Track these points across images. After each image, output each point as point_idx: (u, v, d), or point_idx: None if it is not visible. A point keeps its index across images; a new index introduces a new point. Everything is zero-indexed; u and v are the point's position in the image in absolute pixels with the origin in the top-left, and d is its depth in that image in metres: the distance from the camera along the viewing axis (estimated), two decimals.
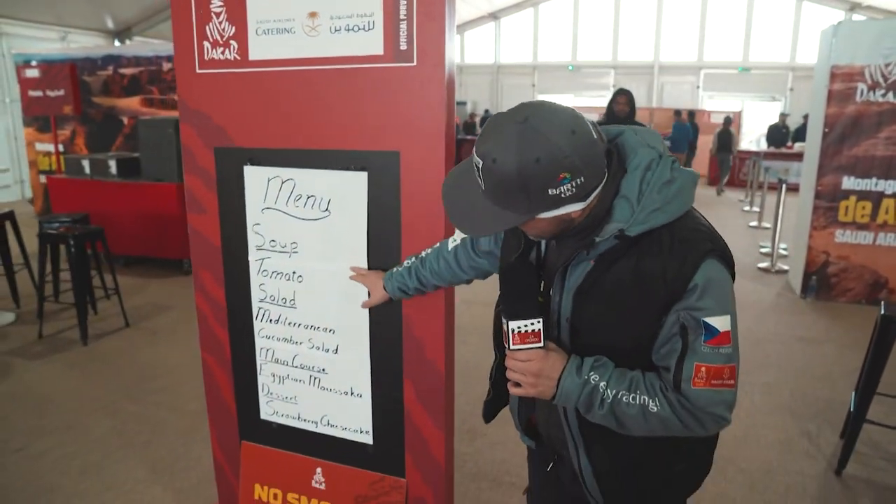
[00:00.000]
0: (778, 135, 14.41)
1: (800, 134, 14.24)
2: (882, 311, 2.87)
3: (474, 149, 1.06)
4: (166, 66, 7.81)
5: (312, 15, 1.74)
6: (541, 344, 1.16)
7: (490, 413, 1.52)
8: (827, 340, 4.61)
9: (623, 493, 1.29)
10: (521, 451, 1.66)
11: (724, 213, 10.52)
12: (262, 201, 1.93)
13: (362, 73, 1.73)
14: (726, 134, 12.96)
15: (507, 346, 1.18)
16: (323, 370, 1.99)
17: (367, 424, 1.97)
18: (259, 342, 2.06)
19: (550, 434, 1.38)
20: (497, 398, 1.48)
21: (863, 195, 5.37)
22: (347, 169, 1.80)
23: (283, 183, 1.89)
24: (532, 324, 1.15)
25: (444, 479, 1.93)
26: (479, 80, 20.99)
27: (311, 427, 2.05)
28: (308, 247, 1.91)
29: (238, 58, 1.85)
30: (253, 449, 2.16)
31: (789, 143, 14.41)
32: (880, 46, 5.18)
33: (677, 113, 13.84)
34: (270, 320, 2.02)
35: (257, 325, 2.04)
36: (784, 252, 7.20)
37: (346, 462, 2.03)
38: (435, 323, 1.82)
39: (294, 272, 1.95)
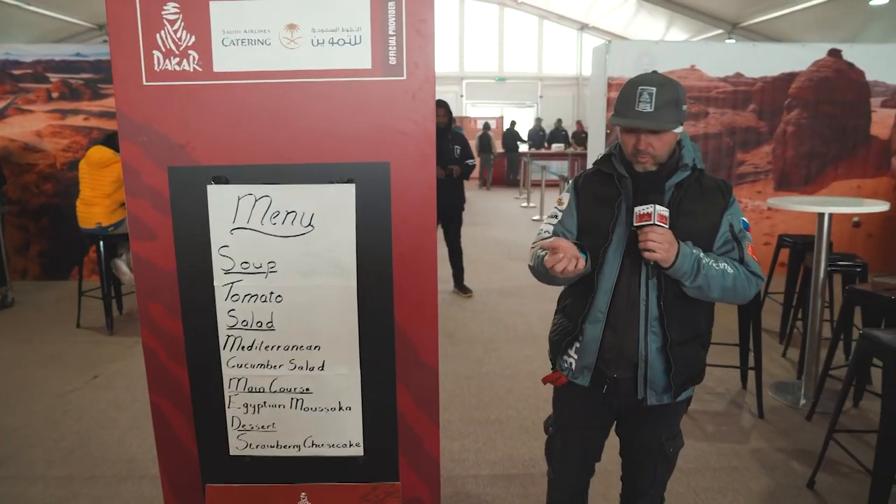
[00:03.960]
0: (536, 137, 16.23)
1: (554, 136, 16.24)
2: None
3: (638, 87, 1.65)
4: None
5: (291, 27, 1.71)
6: (667, 226, 1.64)
7: (557, 355, 1.87)
8: None
9: (680, 367, 1.73)
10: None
11: (505, 209, 11.61)
12: (232, 221, 1.82)
13: (348, 86, 1.74)
14: (486, 137, 14.51)
15: (651, 222, 1.61)
16: (307, 390, 1.94)
17: (358, 436, 1.97)
18: (228, 373, 1.93)
19: (624, 340, 1.74)
20: (570, 328, 1.82)
21: None
22: (333, 182, 1.80)
23: (256, 201, 1.81)
24: (666, 210, 1.64)
25: (439, 475, 2.01)
26: None
27: (292, 452, 1.98)
28: (288, 264, 1.85)
29: (199, 69, 1.73)
30: (220, 491, 2.01)
31: (546, 145, 16.31)
32: (641, 62, 6.25)
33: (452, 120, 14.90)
34: (242, 347, 1.91)
35: (225, 354, 1.91)
36: None
37: (334, 480, 2.00)
38: (428, 325, 1.90)
39: (272, 293, 1.87)
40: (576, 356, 1.79)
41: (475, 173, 13.71)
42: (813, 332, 3.60)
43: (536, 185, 11.37)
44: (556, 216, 1.84)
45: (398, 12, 1.71)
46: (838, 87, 6.44)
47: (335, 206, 1.81)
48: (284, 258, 1.85)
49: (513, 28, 19.78)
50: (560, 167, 14.80)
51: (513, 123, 15.20)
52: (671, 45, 7.33)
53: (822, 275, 3.51)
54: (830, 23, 12.94)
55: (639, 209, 1.64)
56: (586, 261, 1.68)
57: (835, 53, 6.41)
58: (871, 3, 11.51)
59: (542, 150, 15.90)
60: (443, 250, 5.95)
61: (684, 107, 1.69)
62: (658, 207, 1.62)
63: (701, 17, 15.61)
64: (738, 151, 6.52)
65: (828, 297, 4.36)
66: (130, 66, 1.74)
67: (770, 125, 6.50)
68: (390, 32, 1.71)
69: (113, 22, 1.72)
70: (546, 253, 1.67)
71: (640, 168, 1.71)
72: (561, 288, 1.91)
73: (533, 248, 1.83)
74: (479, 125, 16.36)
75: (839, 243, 6.06)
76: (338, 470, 1.99)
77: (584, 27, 19.19)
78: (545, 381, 1.91)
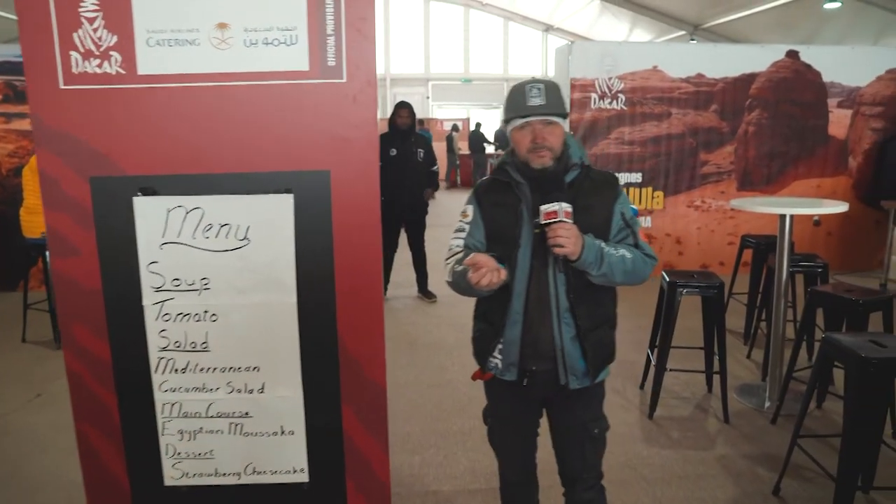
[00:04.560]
0: (503, 138, 16.21)
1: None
2: (666, 279, 3.51)
3: (526, 86, 1.77)
4: None
5: (222, 26, 1.59)
6: (572, 221, 1.70)
7: (484, 358, 1.91)
8: None
9: (594, 351, 1.84)
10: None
11: None
12: (161, 236, 1.69)
13: (284, 89, 1.63)
14: (451, 139, 14.57)
15: (558, 219, 1.68)
16: (246, 414, 1.81)
17: (302, 461, 1.85)
18: (160, 397, 1.80)
19: (540, 334, 1.82)
20: (491, 332, 1.88)
21: None
22: (270, 192, 1.68)
23: (187, 213, 1.68)
24: (569, 207, 1.70)
25: (389, 499, 1.91)
26: None
27: (232, 480, 1.86)
28: (223, 281, 1.73)
29: (123, 72, 1.60)
30: None
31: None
32: (603, 63, 6.24)
33: (420, 122, 14.81)
34: (176, 370, 1.78)
35: (157, 378, 1.78)
36: None
37: None
38: (374, 341, 1.79)
39: (206, 311, 1.75)
40: (500, 356, 1.87)
41: (442, 175, 13.71)
42: (776, 333, 3.58)
43: None
44: (463, 230, 1.90)
45: (337, 11, 1.61)
46: (797, 87, 6.50)
47: (272, 217, 1.69)
48: (219, 274, 1.72)
49: (478, 29, 19.77)
50: None
51: (478, 125, 15.17)
52: (633, 45, 7.34)
53: (784, 276, 3.50)
54: (787, 25, 13.19)
55: (545, 207, 1.70)
56: (506, 271, 1.73)
57: (793, 55, 6.46)
58: (825, 6, 11.74)
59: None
60: (407, 254, 5.85)
61: (567, 107, 1.91)
62: (563, 204, 1.70)
63: (664, 19, 15.77)
64: (701, 152, 6.53)
65: (791, 297, 4.37)
66: (45, 69, 1.60)
67: (732, 125, 6.53)
68: (328, 32, 1.60)
69: (24, 19, 1.58)
70: (464, 268, 1.72)
71: (539, 164, 1.78)
72: None
73: (448, 263, 1.87)
74: (446, 127, 16.30)
75: (800, 242, 6.11)
76: (281, 498, 1.87)
77: (549, 28, 19.25)
78: (474, 378, 1.98)
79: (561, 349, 1.82)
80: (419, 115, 17.12)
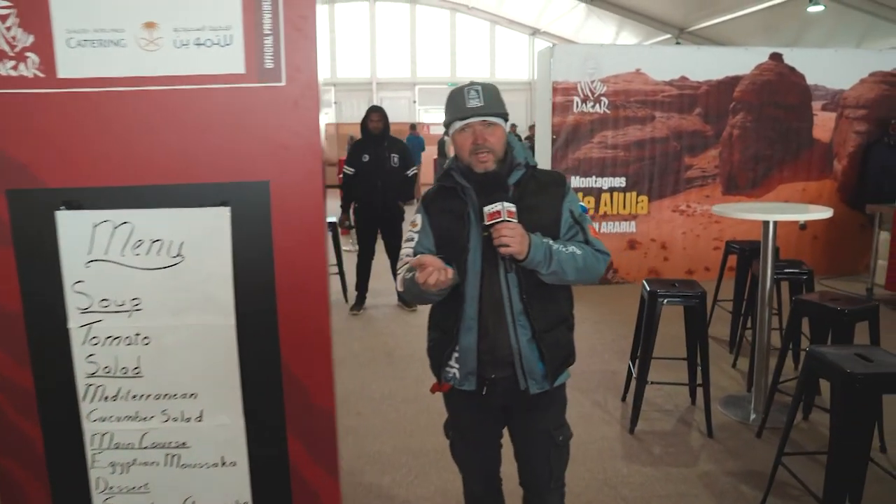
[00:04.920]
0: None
1: None
2: (647, 289, 3.40)
3: (464, 89, 1.76)
4: None
5: (149, 26, 1.46)
6: (516, 220, 1.68)
7: (440, 367, 1.87)
8: (581, 321, 5.19)
9: (552, 353, 1.81)
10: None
11: None
12: (87, 253, 1.56)
13: (219, 94, 1.50)
14: (442, 143, 14.53)
15: (502, 219, 1.65)
16: (183, 444, 1.68)
17: (245, 494, 1.72)
18: (90, 428, 1.66)
19: (496, 339, 1.78)
20: (446, 340, 1.84)
21: (587, 191, 6.30)
22: (205, 205, 1.55)
23: (115, 228, 1.55)
24: (513, 206, 1.68)
25: None
26: None
27: None
28: (155, 301, 1.59)
29: (41, 75, 1.47)
30: None
31: None
32: (586, 66, 6.14)
33: (412, 127, 14.81)
34: (106, 398, 1.64)
35: (86, 406, 1.64)
36: None
37: None
38: (321, 364, 1.66)
39: (137, 334, 1.61)
40: (457, 365, 1.84)
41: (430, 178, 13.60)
42: (761, 344, 3.48)
43: None
44: (412, 239, 1.88)
45: (274, 8, 1.48)
46: (781, 90, 6.43)
47: (207, 232, 1.56)
48: (151, 294, 1.59)
49: (465, 33, 19.68)
50: None
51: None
52: (616, 48, 7.26)
53: (768, 285, 3.39)
54: (772, 28, 13.19)
55: (487, 209, 1.69)
56: (454, 271, 1.72)
57: (776, 57, 6.39)
58: (808, 10, 11.73)
59: None
60: (386, 261, 5.72)
61: (506, 107, 1.84)
62: (505, 204, 1.68)
63: (650, 22, 15.76)
64: (685, 155, 6.44)
65: (776, 304, 4.27)
66: None
67: (716, 128, 6.44)
68: (265, 31, 1.48)
69: None
70: (413, 273, 1.70)
71: (481, 168, 1.78)
72: None
73: (399, 273, 1.86)
74: (433, 131, 16.20)
75: (786, 247, 6.03)
76: None
77: (535, 32, 19.20)
78: (433, 391, 1.93)
79: (518, 353, 1.79)
80: (406, 119, 17.06)
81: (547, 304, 1.82)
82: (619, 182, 6.32)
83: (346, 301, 5.87)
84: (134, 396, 1.63)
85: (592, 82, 6.15)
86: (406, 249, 1.87)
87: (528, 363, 1.80)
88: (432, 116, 19.46)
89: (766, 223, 3.31)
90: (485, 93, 1.76)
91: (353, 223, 5.54)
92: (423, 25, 19.58)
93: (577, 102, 6.15)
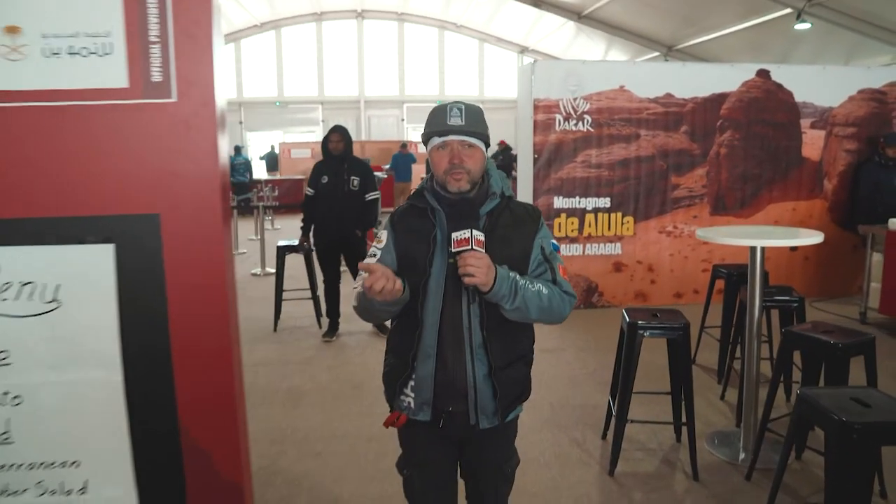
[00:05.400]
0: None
1: (495, 158, 15.99)
2: (627, 320, 3.17)
3: (448, 106, 1.74)
4: None
5: (12, 31, 1.24)
6: (483, 250, 1.62)
7: (394, 396, 1.82)
8: (564, 348, 5.07)
9: (506, 390, 1.77)
10: None
11: None
12: None
13: (98, 111, 1.27)
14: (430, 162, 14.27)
15: (470, 248, 1.60)
16: None
17: None
18: None
19: (454, 371, 1.74)
20: (402, 367, 1.79)
21: (570, 212, 6.09)
22: (84, 242, 1.31)
23: None
24: (482, 235, 1.63)
25: None
26: None
27: None
28: (27, 354, 1.35)
29: None
30: None
31: None
32: (568, 83, 5.96)
33: (403, 145, 14.59)
34: None
35: None
36: None
37: None
38: (227, 426, 1.42)
39: (6, 393, 1.37)
40: (413, 394, 1.79)
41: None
42: (750, 377, 3.24)
43: None
44: (374, 255, 1.81)
45: (162, 12, 1.26)
46: (768, 107, 6.26)
47: (88, 273, 1.32)
48: (22, 346, 1.34)
49: (453, 51, 19.65)
50: None
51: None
52: (599, 65, 7.07)
53: (756, 314, 3.17)
54: (760, 46, 13.14)
55: (456, 235, 1.64)
56: (404, 286, 1.65)
57: (763, 74, 6.24)
58: (795, 27, 11.67)
59: None
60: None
61: (488, 132, 1.78)
62: (475, 232, 1.63)
63: (638, 40, 15.72)
64: (671, 175, 6.25)
65: (766, 332, 4.05)
66: None
67: (703, 147, 6.26)
68: (152, 39, 1.25)
69: None
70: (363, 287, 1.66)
71: (455, 186, 1.73)
72: None
73: (355, 288, 1.78)
74: (422, 150, 16.02)
75: (776, 269, 5.82)
76: None
77: (524, 50, 19.16)
78: (386, 424, 1.85)
79: (474, 386, 1.75)
80: (395, 136, 16.89)
81: (508, 339, 1.78)
82: (604, 202, 6.12)
83: (320, 327, 5.63)
84: (3, 466, 1.38)
85: (575, 100, 5.97)
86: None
87: (482, 399, 1.76)
88: (420, 133, 19.32)
89: (753, 249, 3.10)
90: (468, 113, 1.72)
91: (311, 246, 5.33)
92: (412, 43, 19.55)
93: (559, 120, 5.96)
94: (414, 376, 1.78)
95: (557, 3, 15.67)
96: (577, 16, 15.70)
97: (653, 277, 6.32)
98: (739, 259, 4.88)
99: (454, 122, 1.71)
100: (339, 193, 5.01)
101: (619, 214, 6.16)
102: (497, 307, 1.69)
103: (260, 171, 16.94)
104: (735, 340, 4.05)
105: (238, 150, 15.86)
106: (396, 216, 1.85)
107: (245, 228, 10.04)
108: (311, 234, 5.29)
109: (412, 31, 19.54)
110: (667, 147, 6.20)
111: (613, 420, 3.29)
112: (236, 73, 19.50)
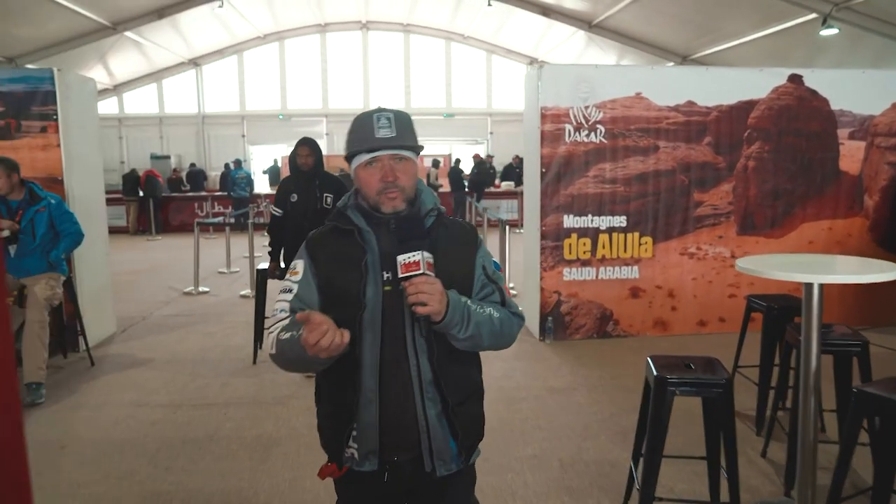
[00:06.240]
0: (486, 175, 15.45)
1: (506, 173, 15.49)
2: (654, 372, 2.56)
3: (374, 115, 1.56)
4: None
5: None
6: (433, 274, 1.48)
7: (339, 451, 1.59)
8: (575, 387, 4.47)
9: (465, 429, 1.60)
10: None
11: None
12: None
13: None
14: (455, 172, 13.80)
15: (421, 272, 1.45)
16: None
17: None
18: None
19: (402, 415, 1.55)
20: (341, 416, 1.58)
21: (582, 232, 5.50)
22: None
23: None
24: (431, 257, 1.49)
25: None
26: (182, 131, 19.10)
27: None
28: None
29: None
30: None
31: (497, 183, 15.54)
32: (578, 90, 5.40)
33: None
34: None
35: None
36: (514, 291, 7.27)
37: None
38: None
39: None
40: (356, 445, 1.59)
41: None
42: (806, 444, 2.61)
43: (493, 226, 10.32)
44: (290, 290, 1.62)
45: None
46: (801, 116, 5.66)
47: None
48: None
49: (460, 63, 19.20)
50: (511, 207, 14.01)
51: (457, 162, 14.35)
52: (613, 69, 6.51)
53: (813, 367, 2.55)
54: (780, 54, 12.53)
55: (403, 258, 1.48)
56: (349, 334, 1.46)
57: (795, 79, 5.65)
58: (821, 33, 11.07)
59: (491, 189, 15.11)
60: None
61: (418, 139, 1.63)
62: (425, 254, 1.48)
63: (651, 50, 15.18)
64: (694, 191, 5.65)
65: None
66: None
67: (729, 160, 5.66)
68: None
69: None
70: (292, 335, 1.47)
71: (390, 207, 1.58)
72: None
73: (270, 333, 1.59)
74: (426, 163, 15.51)
75: None
76: None
77: (533, 61, 18.64)
78: (322, 475, 1.63)
79: (426, 430, 1.57)
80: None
81: (461, 372, 1.63)
82: (620, 221, 5.52)
83: None
84: None
85: (587, 108, 5.40)
86: (280, 303, 1.62)
87: (437, 442, 1.57)
88: (428, 148, 18.84)
89: (808, 286, 2.49)
90: (397, 122, 1.55)
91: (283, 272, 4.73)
92: (417, 55, 19.12)
93: (569, 131, 5.39)
94: (356, 426, 1.57)
95: (567, 12, 15.18)
96: (588, 25, 15.20)
97: (674, 304, 5.70)
98: (778, 288, 4.26)
99: (383, 133, 1.54)
100: (310, 212, 4.46)
101: (637, 234, 5.56)
102: (444, 337, 1.53)
103: (263, 186, 16.53)
104: (779, 386, 3.44)
105: (239, 163, 15.45)
106: (313, 241, 1.65)
107: (240, 246, 9.50)
108: (280, 257, 4.73)
109: (418, 42, 19.11)
110: (689, 160, 5.61)
111: (636, 491, 2.69)
112: (239, 86, 19.15)
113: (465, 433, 1.61)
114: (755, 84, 5.62)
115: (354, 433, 1.58)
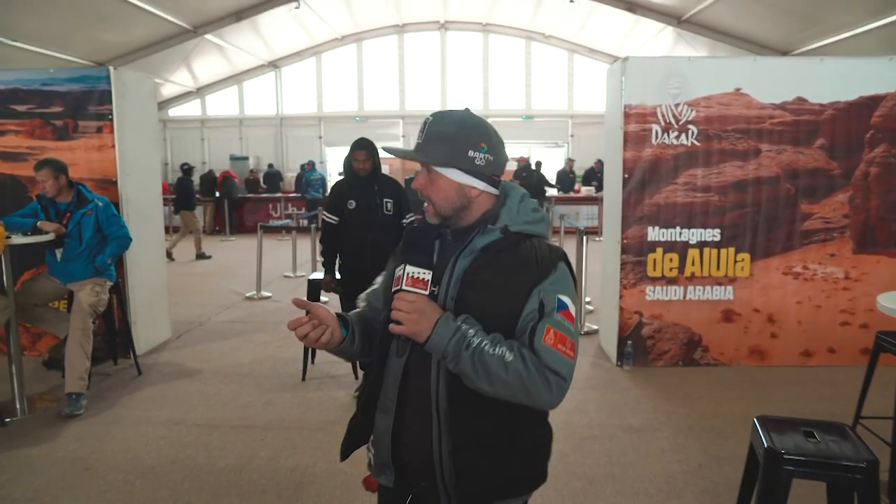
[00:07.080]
0: (566, 180, 14.79)
1: (588, 177, 14.76)
2: (764, 443, 1.98)
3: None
4: None
5: None
6: (426, 292, 1.38)
7: (350, 447, 1.58)
8: (657, 427, 3.87)
9: (468, 477, 1.42)
10: None
11: None
12: None
13: None
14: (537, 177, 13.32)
15: (399, 287, 1.38)
16: None
17: None
18: None
19: (417, 437, 1.44)
20: (364, 424, 1.54)
21: (669, 246, 4.86)
22: None
23: None
24: (423, 273, 1.39)
25: None
26: (261, 132, 19.41)
27: None
28: None
29: None
30: None
31: (577, 187, 14.85)
32: (668, 86, 4.77)
33: None
34: None
35: None
36: (590, 307, 6.67)
37: None
38: None
39: None
40: (373, 451, 1.55)
41: None
42: None
43: (567, 232, 9.68)
44: (376, 282, 1.63)
45: None
46: None
47: None
48: None
49: (541, 63, 18.53)
50: (591, 213, 13.29)
51: (538, 165, 13.71)
52: (708, 62, 5.74)
53: None
54: None
55: (397, 271, 1.43)
56: (345, 337, 1.47)
57: None
58: None
59: (568, 195, 14.41)
60: None
61: (473, 152, 1.42)
62: (408, 268, 1.39)
63: (745, 45, 14.06)
64: (802, 201, 4.89)
65: None
66: None
67: (845, 166, 4.86)
68: None
69: None
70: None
71: (432, 220, 1.49)
72: None
73: None
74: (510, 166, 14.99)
75: None
76: None
77: (617, 61, 17.82)
78: (365, 484, 1.61)
79: (439, 463, 1.42)
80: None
81: (479, 413, 1.40)
82: (713, 235, 4.84)
83: (356, 378, 4.69)
84: None
85: (677, 106, 4.76)
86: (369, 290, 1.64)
87: (449, 479, 1.42)
88: (511, 150, 18.31)
89: None
90: (430, 128, 1.43)
91: (341, 285, 4.30)
92: (497, 55, 18.59)
93: (656, 132, 4.78)
94: (373, 430, 1.55)
95: (654, 7, 14.27)
96: (677, 20, 14.21)
97: (774, 330, 4.96)
98: None
99: (418, 138, 1.46)
100: (371, 220, 4.05)
101: (732, 250, 4.87)
102: None
103: None
104: None
105: (313, 165, 15.46)
106: (407, 235, 1.56)
107: (308, 249, 9.31)
108: (335, 268, 4.33)
109: (497, 42, 18.58)
110: (796, 165, 4.86)
111: None
112: (317, 87, 19.24)
113: (469, 481, 1.43)
114: (880, 76, 4.80)
115: (372, 437, 1.56)
